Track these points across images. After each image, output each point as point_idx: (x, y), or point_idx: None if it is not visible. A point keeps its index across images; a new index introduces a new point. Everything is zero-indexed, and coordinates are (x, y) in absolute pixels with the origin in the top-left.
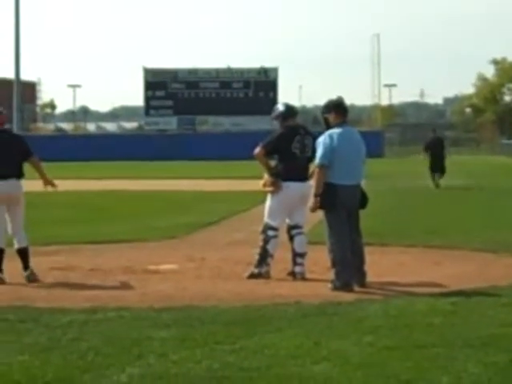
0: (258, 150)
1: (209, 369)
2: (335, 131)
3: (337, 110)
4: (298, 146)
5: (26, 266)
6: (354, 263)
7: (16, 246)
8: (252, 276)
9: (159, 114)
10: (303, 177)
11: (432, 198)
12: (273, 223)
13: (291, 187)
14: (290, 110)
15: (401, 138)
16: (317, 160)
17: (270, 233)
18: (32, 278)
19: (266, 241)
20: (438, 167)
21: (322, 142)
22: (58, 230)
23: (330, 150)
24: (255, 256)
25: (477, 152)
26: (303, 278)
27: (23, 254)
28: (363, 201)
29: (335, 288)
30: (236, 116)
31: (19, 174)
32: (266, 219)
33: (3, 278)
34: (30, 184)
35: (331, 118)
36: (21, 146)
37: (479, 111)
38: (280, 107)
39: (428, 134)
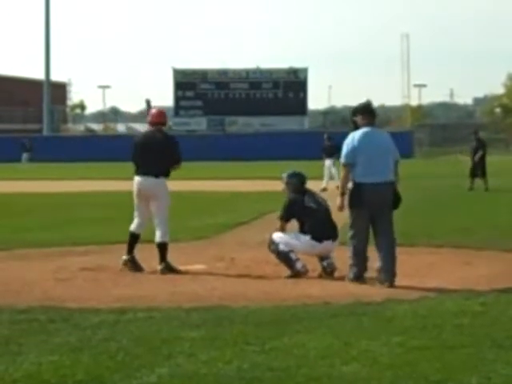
0: (280, 224)
1: (238, 369)
2: (358, 131)
3: (363, 112)
4: (310, 200)
5: (160, 260)
6: (383, 262)
7: (156, 239)
8: (292, 277)
9: (189, 114)
10: (332, 233)
11: (462, 198)
12: (278, 241)
13: (317, 247)
14: (299, 178)
15: (430, 139)
16: (341, 159)
17: (276, 240)
18: (164, 272)
19: (276, 247)
20: (478, 171)
21: (345, 142)
22: (89, 230)
23: (351, 149)
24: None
25: (506, 153)
26: (333, 271)
27: (159, 248)
28: (396, 201)
29: (350, 280)
30: (265, 116)
31: (158, 173)
32: (273, 236)
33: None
34: (64, 185)
35: (359, 120)
36: (170, 149)
37: (509, 111)
38: (286, 176)
39: (468, 135)
